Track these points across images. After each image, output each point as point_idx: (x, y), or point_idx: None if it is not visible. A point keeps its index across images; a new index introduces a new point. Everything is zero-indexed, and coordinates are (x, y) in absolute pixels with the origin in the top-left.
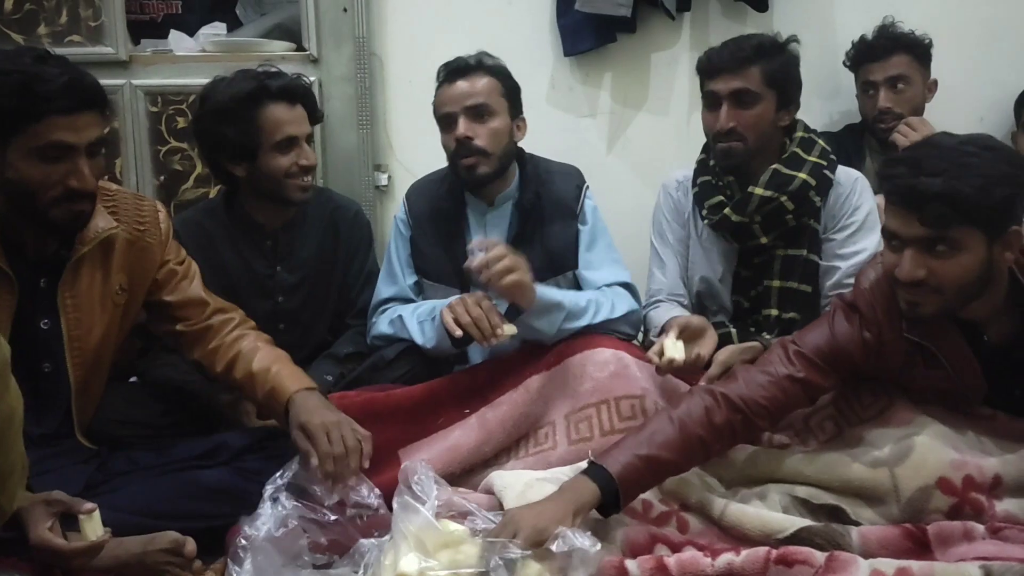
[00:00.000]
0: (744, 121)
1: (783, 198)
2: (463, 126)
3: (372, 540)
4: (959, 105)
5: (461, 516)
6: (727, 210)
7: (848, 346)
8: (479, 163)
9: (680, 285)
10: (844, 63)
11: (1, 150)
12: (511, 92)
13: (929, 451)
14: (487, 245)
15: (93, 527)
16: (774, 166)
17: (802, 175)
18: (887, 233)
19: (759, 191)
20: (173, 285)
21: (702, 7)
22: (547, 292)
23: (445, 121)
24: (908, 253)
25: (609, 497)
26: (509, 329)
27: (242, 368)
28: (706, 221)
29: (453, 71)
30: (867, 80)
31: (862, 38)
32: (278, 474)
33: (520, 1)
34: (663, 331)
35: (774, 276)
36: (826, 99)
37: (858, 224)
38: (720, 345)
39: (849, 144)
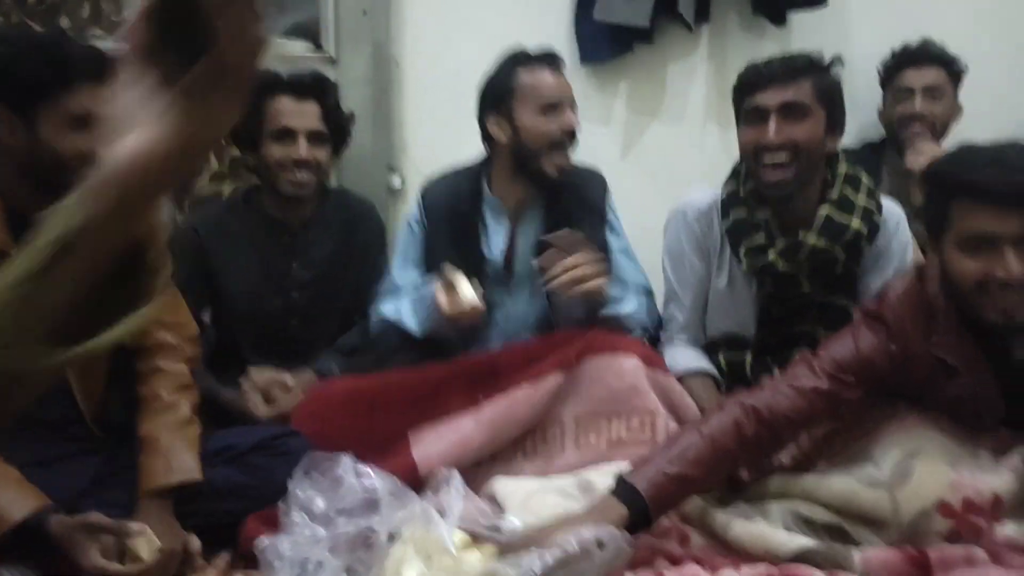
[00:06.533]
0: (794, 136)
1: (837, 248)
2: (572, 118)
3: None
4: (981, 134)
5: (472, 525)
6: (773, 256)
7: (873, 358)
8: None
9: (697, 325)
10: (878, 70)
11: (30, 121)
12: None
13: (929, 473)
14: (564, 241)
15: (149, 545)
16: (826, 212)
17: (855, 224)
18: (978, 237)
19: (812, 240)
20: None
21: (720, 19)
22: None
23: (551, 107)
24: (1011, 253)
25: (637, 517)
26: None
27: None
28: (744, 265)
29: (555, 61)
30: (903, 86)
31: (904, 46)
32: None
33: (537, 9)
34: None
35: (807, 322)
36: None
37: (897, 268)
38: (733, 373)
39: (867, 162)
